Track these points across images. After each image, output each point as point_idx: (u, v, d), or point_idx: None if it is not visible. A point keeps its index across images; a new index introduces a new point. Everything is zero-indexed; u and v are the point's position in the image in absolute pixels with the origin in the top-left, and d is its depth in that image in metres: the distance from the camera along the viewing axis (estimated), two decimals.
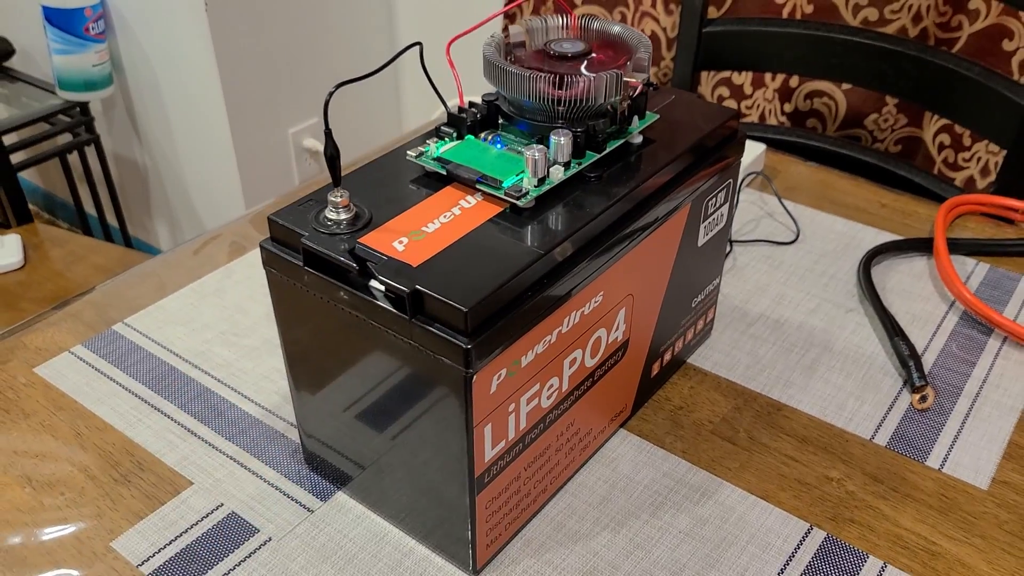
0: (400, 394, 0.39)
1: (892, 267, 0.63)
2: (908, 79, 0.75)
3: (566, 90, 0.41)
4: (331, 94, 0.38)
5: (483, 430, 0.38)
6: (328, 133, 0.38)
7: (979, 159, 0.93)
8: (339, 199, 0.39)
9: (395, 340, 0.37)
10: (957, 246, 0.63)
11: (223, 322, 0.58)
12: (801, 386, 0.53)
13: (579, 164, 0.42)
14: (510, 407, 0.39)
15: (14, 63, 1.65)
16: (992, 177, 0.93)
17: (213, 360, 0.55)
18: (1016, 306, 0.59)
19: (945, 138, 0.95)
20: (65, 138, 1.57)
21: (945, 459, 0.48)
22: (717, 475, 0.47)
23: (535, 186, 0.40)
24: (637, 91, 0.43)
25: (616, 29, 0.45)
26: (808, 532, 0.44)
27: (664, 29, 1.02)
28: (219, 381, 0.53)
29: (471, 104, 0.45)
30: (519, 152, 0.43)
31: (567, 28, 0.46)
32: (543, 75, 0.41)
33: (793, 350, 0.56)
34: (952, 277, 0.59)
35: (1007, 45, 0.86)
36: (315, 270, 0.39)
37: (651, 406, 0.52)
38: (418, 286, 0.35)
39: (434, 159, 0.42)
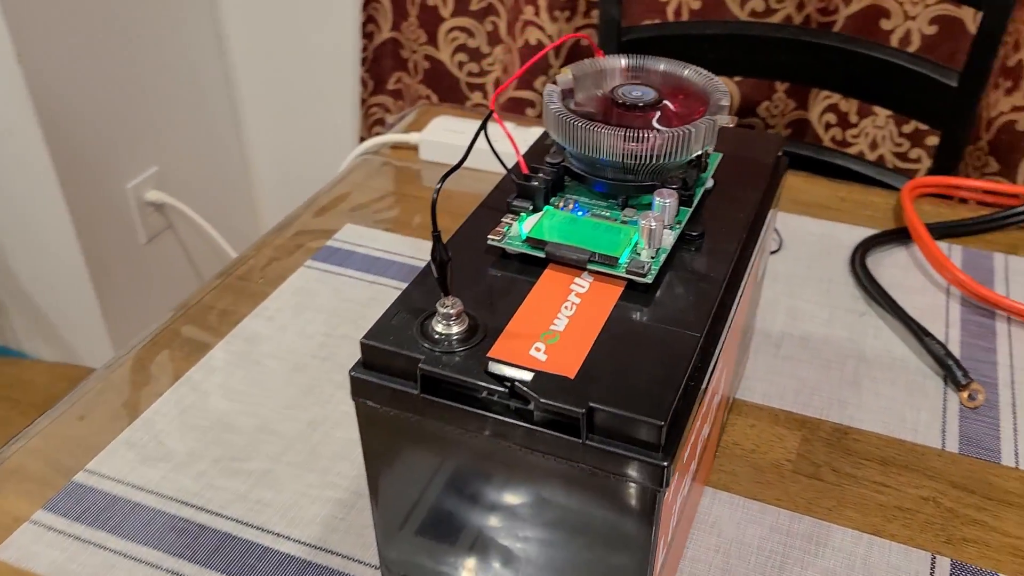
0: (560, 523, 0.34)
1: (878, 262, 0.63)
2: (837, 71, 0.76)
3: (665, 144, 0.37)
4: (438, 189, 0.32)
5: (659, 543, 0.34)
6: (437, 236, 0.32)
7: (867, 134, 0.97)
8: (452, 309, 0.33)
9: (558, 466, 0.32)
10: (931, 231, 0.64)
11: (213, 447, 0.49)
12: (856, 403, 0.52)
13: (679, 223, 0.38)
14: (673, 509, 0.35)
15: None
16: (881, 150, 0.97)
17: (220, 497, 0.47)
18: (1002, 284, 0.61)
19: (831, 117, 0.98)
20: None
21: (1016, 455, 0.49)
22: (821, 518, 0.45)
23: (652, 257, 0.36)
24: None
25: (676, 70, 0.41)
26: (933, 562, 0.43)
27: (550, 37, 0.99)
28: (239, 522, 0.45)
29: (534, 169, 0.40)
30: (605, 217, 0.38)
31: (619, 71, 0.41)
32: (636, 131, 0.37)
33: (831, 366, 0.55)
34: (946, 264, 0.60)
35: (885, 24, 0.89)
36: (439, 397, 0.33)
37: (724, 455, 0.49)
38: (592, 403, 0.30)
39: (524, 241, 0.37)
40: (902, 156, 0.95)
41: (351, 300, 0.60)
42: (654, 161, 0.37)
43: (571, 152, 0.39)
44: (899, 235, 0.64)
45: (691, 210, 0.39)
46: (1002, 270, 0.62)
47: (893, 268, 0.63)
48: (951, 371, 0.52)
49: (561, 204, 0.39)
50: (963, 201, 0.68)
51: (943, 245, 0.65)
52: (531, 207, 0.39)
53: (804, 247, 0.65)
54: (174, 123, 1.24)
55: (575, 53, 1.05)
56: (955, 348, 0.56)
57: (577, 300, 0.35)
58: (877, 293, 0.59)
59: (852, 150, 0.98)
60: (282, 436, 0.50)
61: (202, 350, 0.56)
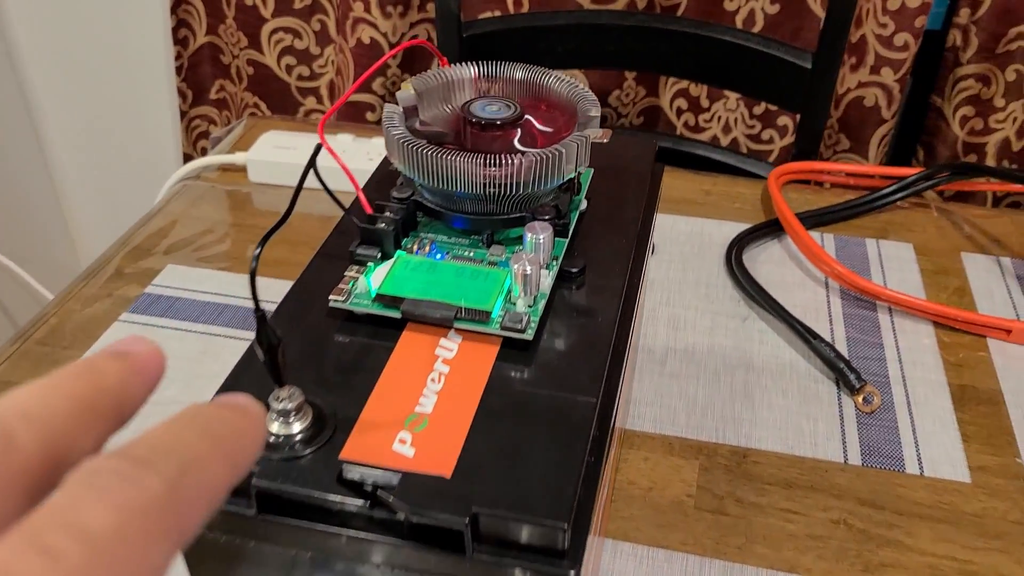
0: None
1: (753, 258, 0.60)
2: (690, 58, 0.72)
3: (532, 168, 0.31)
4: (256, 256, 0.25)
5: None
6: (261, 317, 0.25)
7: (719, 118, 0.95)
8: (291, 403, 0.26)
9: None
10: (803, 221, 0.61)
11: None
12: (750, 419, 0.48)
13: (556, 259, 0.32)
14: None
15: None
16: (734, 134, 0.95)
17: None
18: (878, 272, 0.59)
19: (682, 103, 0.96)
20: None
21: (920, 461, 0.46)
22: (732, 559, 0.41)
23: (530, 306, 0.30)
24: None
25: (536, 78, 0.35)
26: None
27: (385, 35, 0.91)
28: None
29: (379, 207, 0.33)
30: (468, 259, 0.32)
31: (469, 82, 0.35)
32: (496, 155, 0.31)
33: (720, 379, 0.51)
34: (822, 256, 0.57)
35: (728, 5, 0.87)
36: (282, 516, 0.26)
37: (619, 498, 0.44)
38: (476, 508, 0.24)
39: (374, 299, 0.30)
40: (755, 138, 0.94)
41: (179, 357, 0.51)
42: (521, 190, 0.31)
43: (421, 184, 0.33)
44: (771, 227, 0.61)
45: (567, 241, 0.33)
46: (876, 257, 0.60)
47: (769, 264, 0.60)
48: (843, 375, 0.50)
49: (415, 247, 0.33)
50: (820, 184, 0.66)
51: (815, 235, 0.62)
52: (379, 254, 0.32)
53: (677, 248, 0.61)
54: None
55: (415, 53, 0.98)
56: (841, 346, 0.53)
57: (445, 368, 0.29)
58: (758, 294, 0.55)
59: (705, 135, 0.96)
60: None
61: None
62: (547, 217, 0.32)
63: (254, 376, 0.28)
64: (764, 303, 0.55)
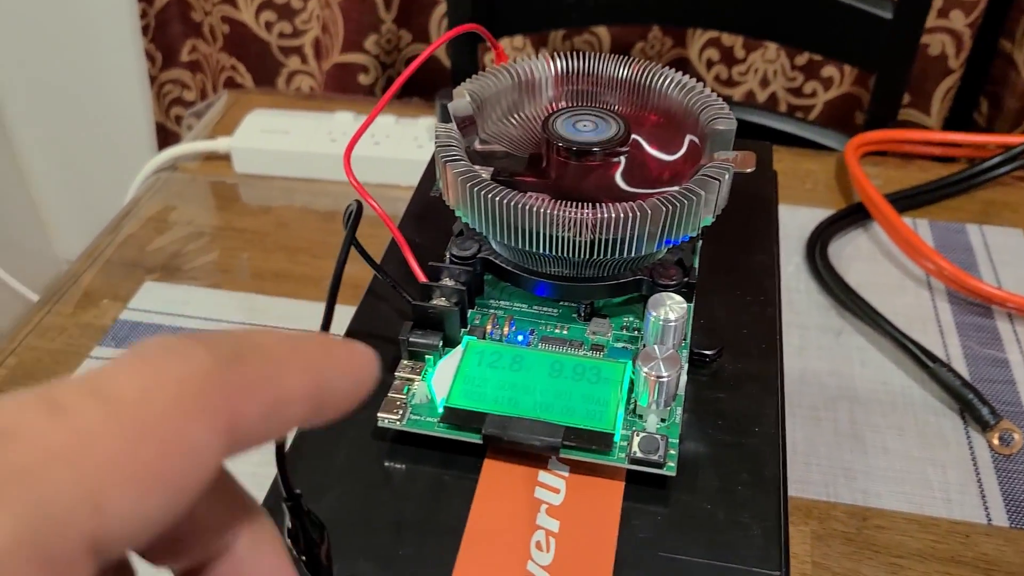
0: None
1: (837, 254, 0.51)
2: (739, 8, 0.62)
3: (661, 221, 0.22)
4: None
5: None
6: (296, 505, 0.16)
7: (756, 70, 0.85)
8: None
9: None
10: (894, 205, 0.52)
11: None
12: (864, 470, 0.40)
13: (685, 343, 0.23)
14: None
15: None
16: (773, 87, 0.85)
17: None
18: (987, 266, 0.50)
19: (713, 53, 0.85)
20: None
21: None
22: None
23: (663, 420, 0.21)
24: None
25: (643, 78, 0.26)
26: None
27: None
28: None
29: (433, 270, 0.24)
30: (560, 340, 0.23)
31: (547, 84, 0.26)
32: (601, 205, 0.21)
33: (820, 416, 0.42)
34: (922, 249, 0.48)
35: None
36: None
37: None
38: None
39: (445, 414, 0.21)
40: (796, 91, 0.84)
41: None
42: (635, 250, 0.22)
43: (486, 235, 0.23)
44: (855, 214, 0.52)
45: (692, 307, 0.24)
46: (981, 246, 0.51)
47: (857, 260, 0.51)
48: (971, 407, 0.41)
49: (490, 327, 0.23)
50: (905, 157, 0.57)
51: (907, 221, 0.53)
52: (440, 341, 0.23)
53: None
54: None
55: (411, 9, 0.87)
56: (959, 365, 0.44)
57: (554, 524, 0.20)
58: (852, 301, 0.46)
59: (740, 90, 0.86)
60: None
61: None
62: (672, 283, 0.23)
63: None
64: (861, 312, 0.46)
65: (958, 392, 0.42)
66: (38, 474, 0.11)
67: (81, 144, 1.11)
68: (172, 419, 0.12)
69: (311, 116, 0.58)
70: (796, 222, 0.53)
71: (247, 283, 0.50)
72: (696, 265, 0.25)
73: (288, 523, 0.16)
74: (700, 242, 0.26)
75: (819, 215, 0.53)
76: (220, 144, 0.57)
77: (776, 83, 0.85)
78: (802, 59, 0.83)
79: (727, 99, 0.73)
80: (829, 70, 0.83)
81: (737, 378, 0.23)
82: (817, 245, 0.50)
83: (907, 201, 0.53)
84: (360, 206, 0.22)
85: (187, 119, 0.62)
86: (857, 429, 0.42)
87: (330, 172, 0.55)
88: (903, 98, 0.67)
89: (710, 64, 0.86)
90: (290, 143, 0.56)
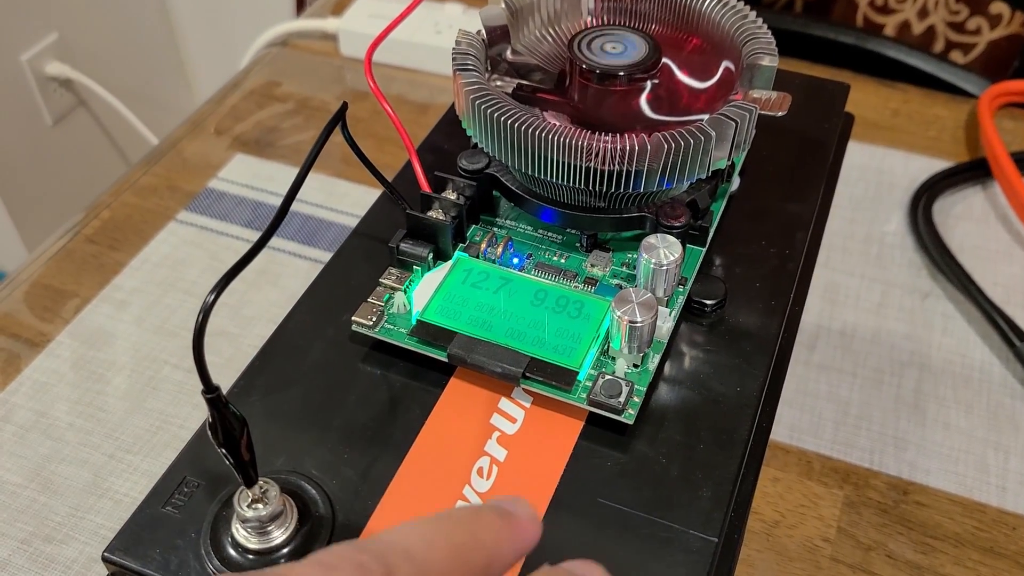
0: None
1: (946, 211, 0.47)
2: None
3: (665, 154, 0.20)
4: (207, 310, 0.16)
5: None
6: (216, 398, 0.16)
7: None
8: (266, 508, 0.18)
9: None
10: (1019, 164, 0.47)
11: (19, 521, 0.35)
12: (918, 442, 0.37)
13: (684, 282, 0.22)
14: None
15: None
16: (931, 19, 0.78)
17: None
18: None
19: None
20: None
21: None
22: None
23: (635, 365, 0.20)
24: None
25: None
26: None
27: None
28: None
29: (439, 181, 0.23)
30: (557, 268, 0.22)
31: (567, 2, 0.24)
32: (614, 135, 0.20)
33: (883, 379, 0.40)
34: None
35: None
36: None
37: None
38: None
39: (413, 329, 0.21)
40: (958, 27, 0.76)
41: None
42: (644, 186, 0.21)
43: (494, 156, 0.23)
44: (975, 170, 0.48)
45: (703, 251, 0.23)
46: None
47: (968, 221, 0.47)
48: None
49: (484, 244, 0.23)
50: None
51: None
52: (430, 254, 0.23)
53: (845, 186, 0.48)
54: None
55: None
56: None
57: (500, 453, 0.20)
58: (947, 264, 0.43)
59: (895, 19, 0.79)
60: (121, 500, 0.36)
61: (20, 357, 0.41)
62: (677, 224, 0.22)
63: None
64: (954, 277, 0.43)
65: None
66: None
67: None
68: None
69: (421, 6, 0.58)
70: (909, 172, 0.49)
71: (333, 166, 0.51)
72: (717, 209, 0.23)
73: (208, 417, 0.17)
74: (728, 184, 0.24)
75: (935, 166, 0.49)
76: (329, 24, 0.58)
77: (936, 15, 0.78)
78: None
79: (872, 29, 0.67)
80: (998, 6, 0.75)
81: (733, 333, 0.22)
82: (923, 198, 0.46)
83: None
84: (345, 106, 0.21)
85: None
86: (920, 399, 0.39)
87: (432, 64, 0.55)
88: None
89: None
90: (395, 31, 0.56)
